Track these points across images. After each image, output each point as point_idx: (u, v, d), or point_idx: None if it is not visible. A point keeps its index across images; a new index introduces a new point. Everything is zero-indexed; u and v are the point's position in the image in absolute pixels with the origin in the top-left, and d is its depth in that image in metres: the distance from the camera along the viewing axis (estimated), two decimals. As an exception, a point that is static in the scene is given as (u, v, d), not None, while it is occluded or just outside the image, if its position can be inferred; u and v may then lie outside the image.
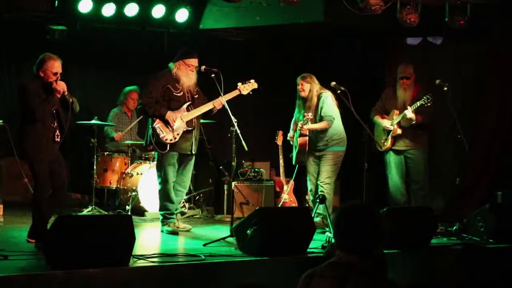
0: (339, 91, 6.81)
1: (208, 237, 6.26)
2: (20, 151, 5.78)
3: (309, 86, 7.20)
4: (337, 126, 7.19)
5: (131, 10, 8.33)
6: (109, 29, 8.84)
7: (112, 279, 4.54)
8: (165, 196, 6.78)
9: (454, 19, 7.65)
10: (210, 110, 6.87)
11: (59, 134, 5.80)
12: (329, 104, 7.15)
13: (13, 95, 8.98)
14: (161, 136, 6.64)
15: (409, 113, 7.25)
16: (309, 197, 7.47)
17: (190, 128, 6.75)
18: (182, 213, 8.08)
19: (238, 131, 6.47)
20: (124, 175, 8.21)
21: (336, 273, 2.82)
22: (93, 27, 8.71)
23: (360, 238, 2.86)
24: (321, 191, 7.04)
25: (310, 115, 7.03)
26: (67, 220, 4.89)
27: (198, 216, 8.21)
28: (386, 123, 7.50)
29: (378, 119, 7.63)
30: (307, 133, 7.19)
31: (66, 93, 5.71)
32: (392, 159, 7.56)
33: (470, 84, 8.71)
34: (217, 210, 8.62)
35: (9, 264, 4.67)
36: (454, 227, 6.76)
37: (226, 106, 6.46)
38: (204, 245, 5.81)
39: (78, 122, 7.79)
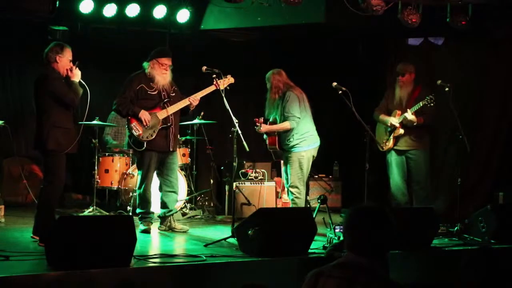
0: (340, 92, 6.79)
1: (209, 238, 6.27)
2: (48, 144, 5.73)
3: (269, 85, 7.16)
4: (300, 125, 7.04)
5: (132, 10, 8.33)
6: (110, 30, 8.85)
7: (113, 279, 4.54)
8: (140, 196, 6.86)
9: (456, 19, 7.64)
10: (188, 107, 6.90)
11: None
12: (292, 103, 7.00)
13: (15, 95, 9.02)
14: (137, 134, 6.69)
15: (409, 115, 7.24)
16: (286, 194, 7.42)
17: (166, 125, 6.78)
18: (184, 214, 8.09)
19: (239, 132, 6.47)
20: (125, 175, 8.21)
21: (344, 274, 2.79)
22: (94, 28, 8.71)
23: (371, 240, 2.83)
24: (292, 199, 7.01)
25: (261, 119, 7.06)
26: (68, 221, 4.91)
27: (199, 216, 8.20)
28: (392, 119, 7.47)
29: (383, 117, 7.60)
30: (274, 132, 7.11)
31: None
32: (393, 159, 7.56)
33: (472, 84, 8.71)
34: (218, 211, 8.63)
35: (11, 265, 4.67)
36: (456, 228, 6.76)
37: (228, 106, 6.46)
38: (205, 245, 5.82)
39: (79, 122, 7.78)
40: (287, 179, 7.17)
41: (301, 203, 7.01)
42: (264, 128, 7.11)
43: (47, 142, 5.72)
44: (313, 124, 7.18)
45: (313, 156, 7.13)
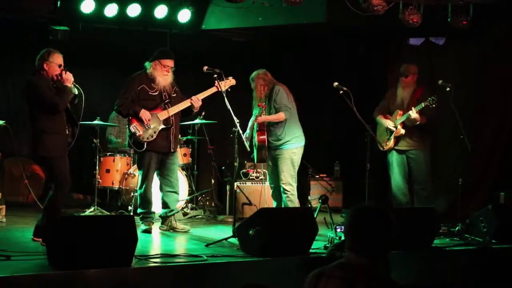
0: (341, 92, 6.79)
1: (211, 238, 6.27)
2: (38, 150, 5.72)
3: (253, 85, 7.14)
4: (291, 123, 7.02)
5: (134, 10, 8.33)
6: (112, 30, 8.84)
7: (114, 279, 4.55)
8: (141, 196, 6.87)
9: (457, 19, 7.64)
10: (190, 109, 6.90)
11: (69, 128, 5.86)
12: (282, 95, 6.99)
13: (16, 95, 9.03)
14: (137, 134, 6.70)
15: (413, 114, 7.24)
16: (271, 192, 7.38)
17: (167, 126, 6.78)
18: (185, 214, 8.09)
19: (241, 132, 6.48)
20: (126, 175, 8.22)
21: (345, 274, 2.80)
22: (96, 28, 8.71)
23: (372, 241, 2.84)
24: (287, 196, 6.95)
25: (264, 104, 7.00)
26: (69, 221, 4.92)
27: (200, 216, 8.20)
28: (388, 123, 7.50)
29: (381, 119, 7.62)
30: (264, 128, 7.02)
31: (73, 84, 5.81)
32: (394, 159, 7.56)
33: (473, 84, 8.71)
34: (220, 211, 8.63)
35: (12, 265, 4.67)
36: (457, 228, 6.76)
37: (228, 106, 6.46)
38: (207, 245, 5.83)
39: (80, 122, 7.78)
40: (273, 179, 7.16)
41: (295, 200, 7.00)
42: (261, 118, 7.06)
43: (37, 148, 5.71)
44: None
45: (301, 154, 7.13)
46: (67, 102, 5.77)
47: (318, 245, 5.66)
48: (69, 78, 5.77)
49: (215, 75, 6.67)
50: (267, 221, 5.36)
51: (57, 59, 5.78)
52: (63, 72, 5.77)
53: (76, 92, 5.88)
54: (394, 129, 7.44)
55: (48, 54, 5.77)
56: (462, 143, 7.05)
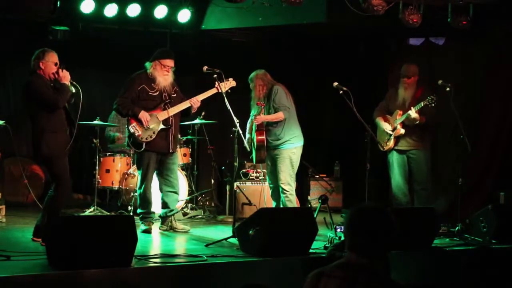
0: (341, 92, 6.78)
1: (210, 238, 6.27)
2: (39, 149, 5.71)
3: (252, 85, 7.13)
4: (290, 122, 6.99)
5: (133, 10, 8.34)
6: (111, 30, 8.85)
7: (114, 279, 4.54)
8: (140, 196, 6.87)
9: (457, 19, 7.65)
10: (189, 109, 6.90)
11: (68, 127, 5.85)
12: (281, 95, 6.97)
13: (16, 95, 9.02)
14: (136, 135, 6.70)
15: (413, 113, 7.23)
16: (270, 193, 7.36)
17: (166, 127, 6.78)
18: (185, 214, 8.09)
19: (240, 132, 6.48)
20: (126, 175, 8.22)
21: (345, 274, 2.80)
22: (95, 28, 8.71)
23: (372, 241, 2.84)
24: (286, 196, 6.92)
25: (262, 102, 6.99)
26: (69, 221, 4.91)
27: (200, 216, 8.20)
28: (386, 127, 7.50)
29: (380, 120, 7.62)
30: (263, 128, 7.00)
31: (70, 82, 5.81)
32: (395, 159, 7.55)
33: (473, 84, 8.72)
34: (219, 211, 8.63)
35: (12, 265, 4.67)
36: (457, 228, 6.76)
37: (229, 107, 6.46)
38: (206, 245, 5.82)
39: (80, 122, 7.78)
40: (272, 179, 7.14)
41: (294, 200, 6.99)
42: (260, 118, 7.05)
43: (38, 148, 5.71)
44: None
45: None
46: (66, 99, 5.77)
47: (318, 245, 5.66)
48: (66, 76, 5.77)
49: (215, 75, 6.67)
50: (267, 221, 5.36)
51: (52, 57, 5.78)
52: (60, 70, 5.77)
53: (74, 90, 5.88)
54: (391, 132, 7.45)
55: (43, 53, 5.77)
56: (462, 143, 7.05)
